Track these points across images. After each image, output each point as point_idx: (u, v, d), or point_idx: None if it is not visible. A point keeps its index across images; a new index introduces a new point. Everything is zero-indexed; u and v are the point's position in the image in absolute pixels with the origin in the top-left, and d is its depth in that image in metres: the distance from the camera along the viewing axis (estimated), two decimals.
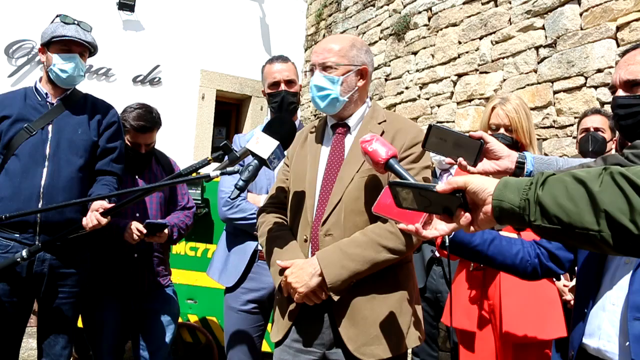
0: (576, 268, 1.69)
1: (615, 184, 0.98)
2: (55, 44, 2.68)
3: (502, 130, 2.54)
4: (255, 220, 2.34)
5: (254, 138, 1.88)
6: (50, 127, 2.70)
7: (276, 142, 1.85)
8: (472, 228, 1.20)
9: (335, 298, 1.87)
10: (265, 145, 1.85)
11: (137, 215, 2.99)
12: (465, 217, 1.19)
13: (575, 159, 1.84)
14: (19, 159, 2.62)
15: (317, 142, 2.12)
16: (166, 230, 2.91)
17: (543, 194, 1.04)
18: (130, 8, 6.71)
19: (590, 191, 0.99)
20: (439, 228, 1.34)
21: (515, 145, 2.51)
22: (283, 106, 2.73)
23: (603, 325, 1.43)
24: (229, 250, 2.83)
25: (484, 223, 1.17)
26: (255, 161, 1.85)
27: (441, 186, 1.20)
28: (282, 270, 1.94)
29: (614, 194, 0.97)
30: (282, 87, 2.73)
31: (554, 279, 2.48)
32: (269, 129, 1.91)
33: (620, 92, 1.63)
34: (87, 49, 2.77)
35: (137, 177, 3.09)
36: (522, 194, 1.07)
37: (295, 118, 2.86)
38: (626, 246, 0.98)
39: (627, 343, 1.33)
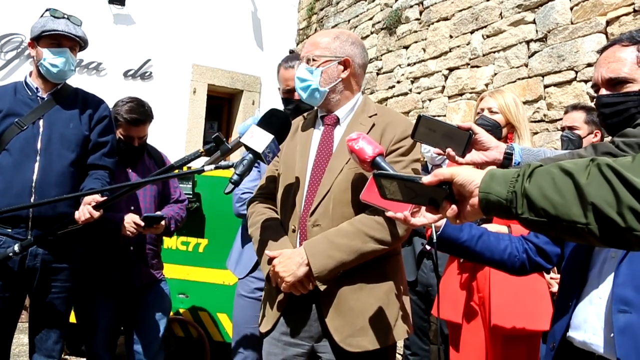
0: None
1: (602, 176, 0.97)
2: (45, 39, 2.67)
3: (485, 112, 2.57)
4: None
5: (249, 132, 1.87)
6: (41, 122, 2.69)
7: (271, 136, 1.85)
8: (458, 220, 1.19)
9: (322, 288, 1.88)
10: (260, 139, 1.84)
11: (132, 209, 3.00)
12: (452, 209, 1.18)
13: (563, 150, 1.85)
14: (10, 154, 2.62)
15: (307, 133, 2.13)
16: (163, 222, 2.93)
17: (530, 186, 1.03)
18: (121, 2, 6.65)
19: (577, 183, 0.98)
20: (428, 216, 1.34)
21: (498, 128, 2.54)
22: (298, 114, 2.74)
23: (589, 319, 1.44)
24: (244, 244, 2.84)
25: (471, 215, 1.16)
26: (250, 155, 1.85)
27: (427, 178, 1.19)
28: (270, 260, 1.95)
29: (601, 186, 0.96)
30: (297, 95, 2.72)
31: (544, 272, 2.51)
32: (263, 123, 1.90)
33: (604, 91, 1.64)
34: (77, 43, 2.76)
35: (130, 170, 3.09)
36: (509, 186, 1.06)
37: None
38: (613, 238, 0.97)
39: (612, 335, 1.35)
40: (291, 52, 2.90)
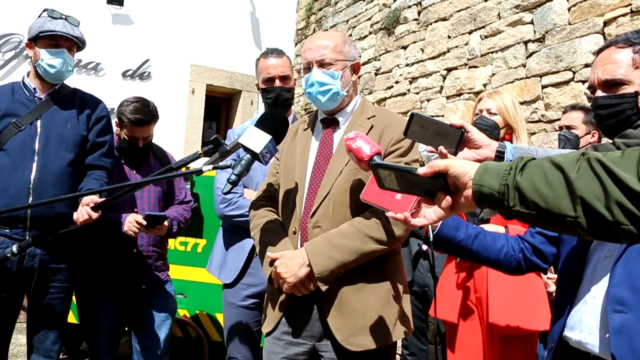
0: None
1: (591, 171, 0.98)
2: (43, 39, 2.67)
3: (484, 113, 2.58)
4: None
5: (247, 132, 1.88)
6: (38, 122, 2.69)
7: (269, 137, 1.85)
8: (452, 211, 1.22)
9: (323, 288, 1.90)
10: (258, 140, 1.84)
11: (135, 210, 2.99)
12: (446, 200, 1.20)
13: (557, 150, 1.86)
14: (8, 154, 2.62)
15: (307, 136, 2.14)
16: (166, 223, 2.91)
17: (522, 180, 1.06)
18: (120, 2, 6.66)
19: (567, 177, 1.00)
20: (428, 217, 1.35)
21: (497, 129, 2.54)
22: (278, 102, 2.70)
23: (584, 318, 1.44)
24: (227, 247, 2.81)
25: (465, 207, 1.19)
26: (248, 155, 1.85)
27: (423, 169, 1.22)
28: (272, 262, 1.97)
29: (590, 180, 0.98)
30: (277, 83, 2.69)
31: (541, 272, 2.51)
32: (261, 124, 1.90)
33: (600, 93, 1.64)
34: (75, 44, 2.75)
35: (134, 171, 3.07)
36: (501, 179, 1.09)
37: (289, 113, 2.84)
38: (601, 232, 0.99)
39: (607, 335, 1.35)
40: (267, 49, 2.92)
